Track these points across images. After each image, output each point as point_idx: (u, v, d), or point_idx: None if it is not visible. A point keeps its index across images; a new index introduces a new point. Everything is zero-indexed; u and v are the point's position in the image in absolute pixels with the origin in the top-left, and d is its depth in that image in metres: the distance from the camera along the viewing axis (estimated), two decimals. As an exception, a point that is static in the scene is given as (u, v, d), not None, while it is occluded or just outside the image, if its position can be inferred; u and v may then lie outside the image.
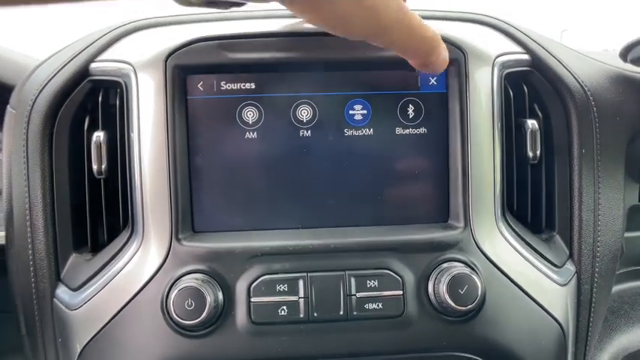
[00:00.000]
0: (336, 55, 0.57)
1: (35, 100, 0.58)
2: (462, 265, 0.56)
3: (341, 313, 0.56)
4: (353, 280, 0.56)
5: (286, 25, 0.59)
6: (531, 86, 0.64)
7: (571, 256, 0.63)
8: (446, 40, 0.57)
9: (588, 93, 0.63)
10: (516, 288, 0.58)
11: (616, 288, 0.81)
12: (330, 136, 0.59)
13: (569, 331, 0.62)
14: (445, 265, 0.57)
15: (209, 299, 0.53)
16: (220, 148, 0.58)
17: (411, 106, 0.59)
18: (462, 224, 0.58)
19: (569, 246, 0.64)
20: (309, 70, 0.58)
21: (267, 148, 0.59)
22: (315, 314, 0.55)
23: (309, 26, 0.59)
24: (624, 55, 0.66)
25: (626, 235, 0.77)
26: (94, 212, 0.61)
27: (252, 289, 0.55)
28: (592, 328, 0.64)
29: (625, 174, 0.68)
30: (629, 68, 0.67)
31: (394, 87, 0.59)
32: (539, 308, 0.59)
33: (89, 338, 0.57)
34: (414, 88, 0.59)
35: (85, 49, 0.60)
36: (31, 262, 0.59)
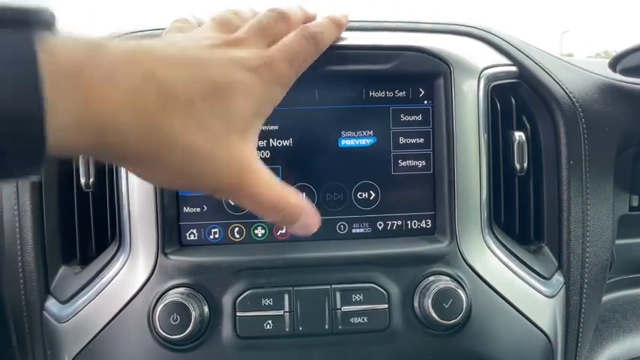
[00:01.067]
0: (326, 68, 0.56)
1: None
2: (448, 278, 0.56)
3: (326, 327, 0.56)
4: (338, 294, 0.56)
5: None
6: (519, 98, 0.63)
7: (560, 267, 0.63)
8: (431, 53, 0.57)
9: (576, 104, 0.62)
10: (503, 301, 0.58)
11: (607, 297, 0.81)
12: (320, 148, 0.59)
13: (557, 343, 0.62)
14: (431, 278, 0.57)
15: (194, 314, 0.53)
16: None
17: (396, 119, 0.59)
18: (448, 237, 0.58)
19: (558, 257, 0.63)
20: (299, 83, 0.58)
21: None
22: (301, 328, 0.56)
23: None
24: (613, 65, 0.65)
25: (618, 242, 0.77)
26: (83, 225, 0.61)
27: (237, 303, 0.55)
28: (582, 339, 0.64)
29: (615, 184, 0.67)
30: (619, 78, 0.67)
31: (380, 100, 0.59)
32: (527, 321, 0.59)
33: (78, 351, 0.58)
34: (399, 101, 0.59)
35: None
36: (21, 275, 0.60)
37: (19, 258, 0.60)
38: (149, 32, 0.61)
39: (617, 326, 0.75)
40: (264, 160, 0.58)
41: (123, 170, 0.58)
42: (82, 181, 0.59)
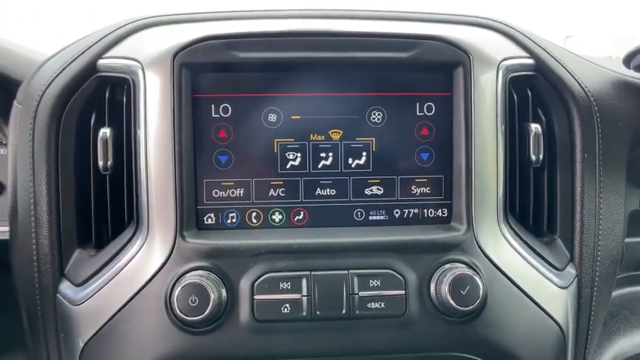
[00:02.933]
0: (345, 54, 0.58)
1: (42, 95, 0.59)
2: (464, 266, 0.57)
3: (343, 311, 0.56)
4: (356, 279, 0.56)
5: (294, 25, 0.60)
6: (535, 90, 0.64)
7: (572, 259, 0.64)
8: (452, 43, 0.58)
9: (592, 98, 0.63)
10: (518, 290, 0.59)
11: (615, 292, 0.81)
12: (333, 130, 0.59)
13: (569, 334, 0.62)
14: (447, 265, 0.57)
15: (213, 296, 0.53)
16: (227, 146, 0.59)
17: (414, 108, 0.60)
18: (464, 226, 0.58)
19: (571, 249, 0.64)
20: (318, 70, 0.59)
21: (273, 146, 0.59)
22: (318, 312, 0.56)
23: (315, 26, 0.60)
24: (627, 61, 0.66)
25: (626, 240, 0.77)
26: (99, 208, 0.61)
27: (255, 286, 0.56)
28: (592, 331, 0.65)
29: (626, 180, 0.68)
30: (633, 75, 0.68)
31: (399, 88, 0.59)
32: (540, 310, 0.60)
33: (92, 334, 0.57)
34: (419, 90, 0.59)
35: (93, 45, 0.60)
36: (35, 257, 0.59)
37: (34, 240, 0.59)
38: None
39: (625, 321, 0.76)
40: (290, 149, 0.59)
41: (142, 153, 0.58)
42: (100, 163, 0.59)
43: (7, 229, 0.63)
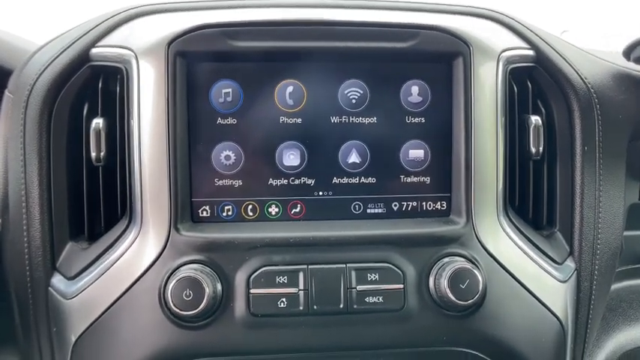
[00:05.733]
0: (341, 43, 0.57)
1: (34, 84, 0.57)
2: (464, 259, 0.56)
3: (341, 306, 0.55)
4: (354, 273, 0.55)
5: (289, 14, 0.58)
6: (535, 82, 0.63)
7: (571, 253, 0.63)
8: (451, 33, 0.57)
9: (592, 90, 0.62)
10: (517, 284, 0.58)
11: (614, 286, 0.81)
12: (329, 121, 0.58)
13: (568, 328, 0.62)
14: (446, 259, 0.56)
15: (208, 290, 0.52)
16: (222, 138, 0.58)
17: (413, 96, 0.59)
18: (463, 219, 0.58)
19: (570, 243, 0.63)
20: (313, 59, 0.58)
21: (270, 137, 0.58)
22: (315, 307, 0.55)
23: (313, 15, 0.59)
24: (627, 53, 0.66)
25: (625, 233, 0.77)
26: (92, 200, 0.60)
27: (251, 280, 0.55)
28: (591, 325, 0.64)
29: (626, 172, 0.68)
30: (633, 67, 0.67)
31: (398, 79, 0.59)
32: (540, 304, 0.59)
33: (84, 328, 0.56)
34: (417, 80, 0.59)
35: (86, 34, 0.59)
36: (26, 250, 0.58)
37: (25, 233, 0.58)
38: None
39: (624, 315, 0.75)
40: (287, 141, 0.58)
41: (135, 144, 0.57)
42: (93, 154, 0.58)
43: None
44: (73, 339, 0.57)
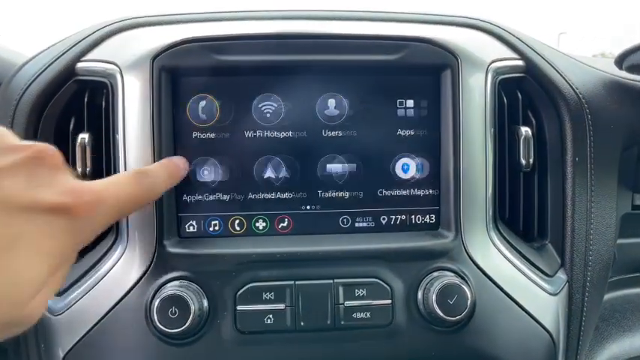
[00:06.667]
0: (330, 57, 0.56)
1: (20, 99, 0.57)
2: (452, 274, 0.56)
3: (328, 322, 0.55)
4: (341, 288, 0.55)
5: (278, 27, 0.58)
6: (525, 93, 0.63)
7: (563, 265, 0.63)
8: (439, 45, 0.56)
9: (583, 100, 0.62)
10: (507, 298, 0.58)
11: (608, 296, 0.80)
12: (315, 135, 0.58)
13: (559, 341, 0.61)
14: (435, 274, 0.56)
15: (193, 307, 0.52)
16: (208, 152, 0.57)
17: (402, 110, 0.58)
18: (452, 232, 0.57)
19: (561, 255, 0.63)
20: (297, 72, 0.57)
21: (254, 152, 0.58)
22: (302, 323, 0.54)
23: (301, 28, 0.58)
24: (619, 62, 0.65)
25: (619, 241, 0.76)
26: None
27: (238, 296, 0.54)
28: (583, 337, 0.64)
29: (618, 182, 0.67)
30: (625, 76, 0.66)
31: (385, 92, 0.58)
32: (530, 318, 0.58)
33: (72, 344, 0.56)
34: (406, 93, 0.58)
35: (71, 48, 0.58)
36: None
37: None
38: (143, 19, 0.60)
39: (617, 325, 0.75)
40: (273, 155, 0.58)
41: (120, 160, 0.56)
42: (79, 170, 0.57)
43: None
44: (61, 355, 0.57)
